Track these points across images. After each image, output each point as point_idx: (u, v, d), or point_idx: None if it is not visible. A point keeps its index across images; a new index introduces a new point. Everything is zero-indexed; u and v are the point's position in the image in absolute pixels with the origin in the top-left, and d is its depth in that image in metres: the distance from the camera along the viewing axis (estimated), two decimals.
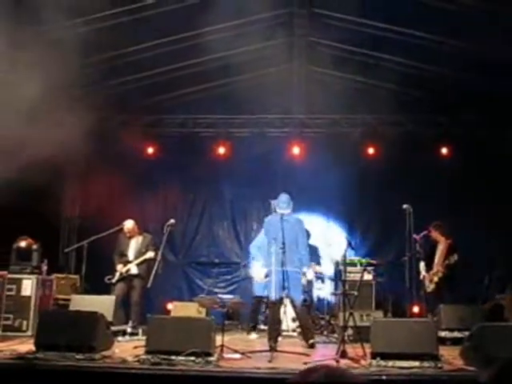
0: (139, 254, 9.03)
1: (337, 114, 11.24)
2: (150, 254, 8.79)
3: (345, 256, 7.35)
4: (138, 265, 8.96)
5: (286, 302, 9.20)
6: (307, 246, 7.85)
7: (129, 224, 9.20)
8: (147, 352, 5.87)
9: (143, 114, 11.42)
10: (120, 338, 7.93)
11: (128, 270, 8.95)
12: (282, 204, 7.72)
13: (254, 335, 9.20)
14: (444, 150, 11.23)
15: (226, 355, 6.18)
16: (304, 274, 7.91)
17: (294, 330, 9.34)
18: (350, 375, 1.42)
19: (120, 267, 9.00)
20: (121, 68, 9.58)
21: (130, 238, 9.22)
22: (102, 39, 8.24)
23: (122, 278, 8.95)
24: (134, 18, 8.34)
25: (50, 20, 7.03)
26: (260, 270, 8.37)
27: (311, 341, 7.44)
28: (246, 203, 11.74)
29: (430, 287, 9.04)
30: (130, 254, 9.11)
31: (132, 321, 8.67)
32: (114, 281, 8.95)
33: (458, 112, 10.88)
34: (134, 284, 8.94)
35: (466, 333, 6.30)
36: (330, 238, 11.61)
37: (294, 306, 7.72)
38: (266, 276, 7.97)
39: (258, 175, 11.27)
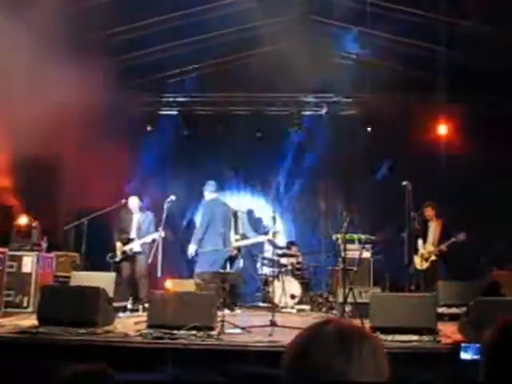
0: (141, 231, 9.10)
1: (338, 93, 11.19)
2: (155, 235, 8.73)
3: (345, 233, 7.38)
4: None
5: (285, 278, 9.39)
6: None
7: (132, 201, 9.26)
8: (149, 326, 5.95)
9: (144, 90, 11.36)
10: (121, 314, 7.97)
11: (131, 249, 9.03)
12: (212, 188, 9.01)
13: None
14: (444, 130, 11.18)
15: (226, 330, 6.24)
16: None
17: (292, 307, 9.43)
18: (358, 327, 1.39)
19: (119, 245, 9.06)
20: (124, 44, 9.52)
21: (132, 214, 9.28)
22: (106, 14, 8.15)
23: (126, 257, 9.04)
24: None
25: None
26: (192, 249, 9.11)
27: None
28: (245, 182, 11.74)
29: (424, 265, 9.10)
30: (132, 231, 9.18)
31: (142, 295, 8.75)
32: (117, 259, 9.03)
33: (461, 91, 10.80)
34: (137, 259, 9.05)
35: (464, 309, 6.36)
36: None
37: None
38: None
39: (257, 155, 11.26)
